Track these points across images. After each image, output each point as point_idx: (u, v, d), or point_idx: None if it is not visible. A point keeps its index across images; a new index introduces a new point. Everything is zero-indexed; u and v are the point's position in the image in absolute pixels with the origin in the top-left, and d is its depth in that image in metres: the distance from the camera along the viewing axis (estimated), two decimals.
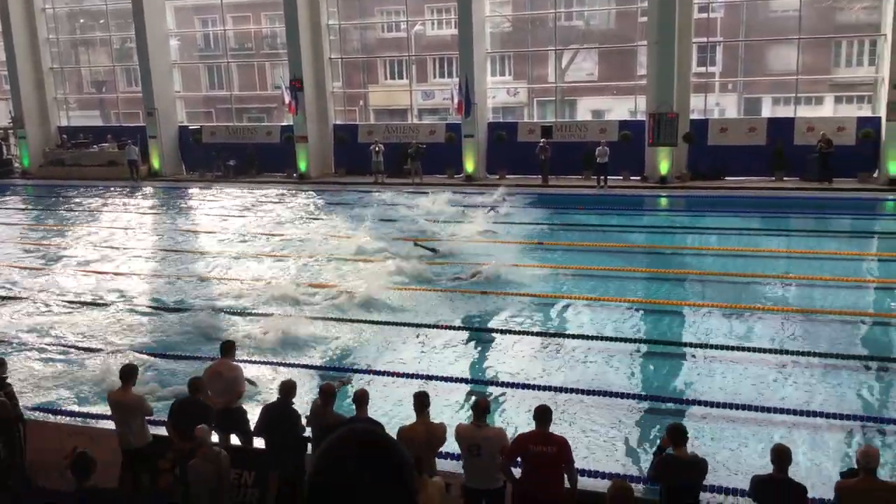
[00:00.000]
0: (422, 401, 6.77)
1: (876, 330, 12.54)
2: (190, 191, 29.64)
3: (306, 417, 7.31)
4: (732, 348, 11.36)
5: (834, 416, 9.14)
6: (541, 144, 26.69)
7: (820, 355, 10.98)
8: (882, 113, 24.00)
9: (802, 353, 11.06)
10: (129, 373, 7.82)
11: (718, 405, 9.49)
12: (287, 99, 29.59)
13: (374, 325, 12.85)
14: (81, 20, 36.74)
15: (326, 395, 7.22)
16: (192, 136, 32.13)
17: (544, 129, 27.94)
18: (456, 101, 27.62)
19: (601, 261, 16.65)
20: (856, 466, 6.12)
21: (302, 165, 30.11)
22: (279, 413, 7.34)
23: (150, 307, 14.45)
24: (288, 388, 7.42)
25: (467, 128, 27.78)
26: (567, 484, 6.37)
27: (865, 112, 26.06)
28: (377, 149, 28.22)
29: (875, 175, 24.23)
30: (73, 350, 12.20)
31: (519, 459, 6.45)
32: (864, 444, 8.24)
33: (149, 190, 30.02)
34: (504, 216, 21.74)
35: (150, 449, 7.66)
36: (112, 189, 29.66)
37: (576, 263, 16.62)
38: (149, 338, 12.72)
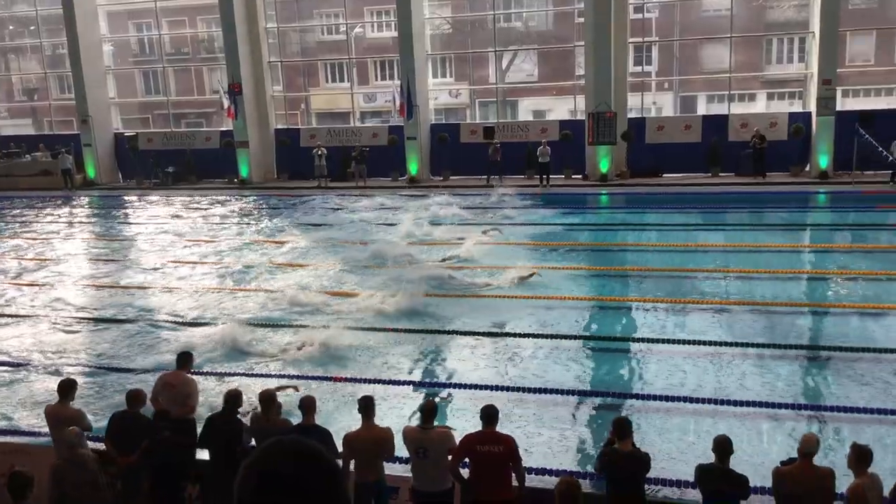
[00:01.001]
0: (367, 405, 6.75)
1: (812, 319, 12.91)
2: (138, 199, 29.01)
3: (247, 427, 7.22)
4: (676, 342, 11.56)
5: (775, 405, 9.38)
6: (494, 145, 26.76)
7: (759, 346, 11.27)
8: (812, 108, 24.76)
9: (743, 345, 11.33)
10: (67, 387, 7.63)
11: (664, 398, 9.65)
12: (226, 103, 29.22)
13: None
14: (11, 27, 35.73)
15: (266, 402, 7.14)
16: (128, 143, 31.45)
17: (486, 130, 28.11)
18: (398, 103, 27.61)
19: (544, 258, 16.84)
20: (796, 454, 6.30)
21: (243, 171, 29.75)
22: (223, 424, 7.23)
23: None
24: (233, 398, 7.31)
25: (410, 130, 27.78)
26: (515, 482, 6.42)
27: (796, 108, 26.85)
28: (320, 152, 28.04)
29: (807, 168, 24.98)
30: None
31: (467, 460, 6.47)
32: (805, 431, 8.47)
33: (85, 199, 29.33)
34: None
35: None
36: (46, 199, 28.82)
37: (522, 262, 16.75)
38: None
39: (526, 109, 32.28)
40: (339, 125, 31.22)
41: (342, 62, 31.87)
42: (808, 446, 6.05)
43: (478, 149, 27.89)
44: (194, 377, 8.53)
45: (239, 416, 7.37)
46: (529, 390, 10.01)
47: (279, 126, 31.15)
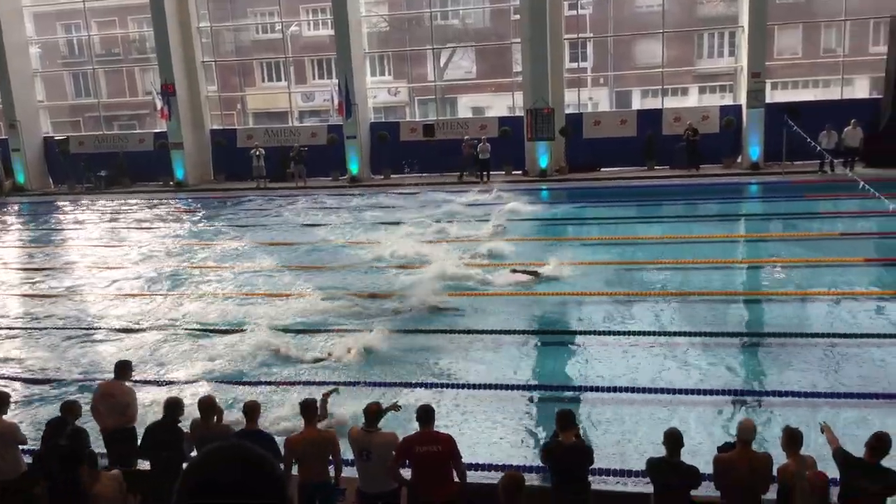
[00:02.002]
0: (309, 409, 6.69)
1: (747, 307, 13.24)
2: (69, 204, 28.19)
3: (188, 435, 7.09)
4: (619, 333, 11.77)
5: (716, 392, 9.61)
6: (466, 139, 26.69)
7: (700, 335, 11.54)
8: (742, 101, 25.38)
9: (683, 334, 11.58)
10: (0, 400, 7.39)
11: (610, 389, 9.79)
12: (159, 105, 28.64)
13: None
14: None
15: (205, 408, 7.02)
16: (58, 147, 30.55)
17: (426, 128, 28.12)
18: (336, 102, 27.41)
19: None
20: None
21: (178, 173, 29.19)
22: (164, 432, 7.09)
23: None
24: (172, 406, 7.17)
25: (349, 129, 27.62)
26: (457, 479, 6.44)
27: (727, 101, 27.52)
28: (258, 153, 27.68)
29: (738, 160, 25.63)
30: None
31: (408, 461, 6.47)
32: (743, 417, 8.68)
33: (15, 206, 28.41)
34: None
35: (24, 479, 7.26)
36: None
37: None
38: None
39: (465, 106, 32.40)
40: (276, 125, 30.86)
41: (278, 61, 31.49)
42: (746, 433, 6.20)
43: (418, 147, 27.91)
44: (133, 387, 8.37)
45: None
46: (478, 386, 10.06)
47: (215, 127, 30.64)
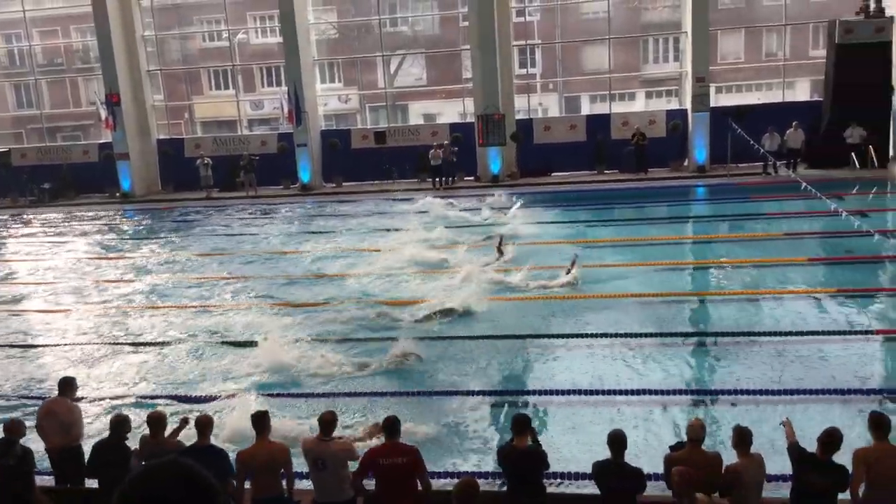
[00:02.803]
0: (261, 422, 6.60)
1: (696, 307, 13.45)
2: (10, 218, 27.44)
3: (137, 452, 6.94)
4: (572, 336, 11.89)
5: (667, 392, 9.77)
6: (436, 146, 26.62)
7: (649, 335, 11.71)
8: (688, 105, 25.85)
9: (634, 335, 11.74)
10: None
11: (564, 392, 9.88)
12: (104, 115, 28.10)
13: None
14: None
15: (154, 424, 6.89)
16: (0, 159, 29.78)
17: (378, 135, 28.07)
18: (286, 110, 27.21)
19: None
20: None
21: (125, 184, 28.66)
22: (110, 450, 6.93)
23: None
24: (118, 423, 7.01)
25: (300, 137, 27.42)
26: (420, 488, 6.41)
27: (674, 105, 28.01)
28: (206, 162, 27.31)
29: (685, 163, 26.08)
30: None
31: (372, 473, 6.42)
32: (693, 417, 8.80)
33: None
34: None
35: None
36: None
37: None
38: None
39: (416, 113, 32.43)
40: (225, 133, 30.50)
41: (226, 69, 31.15)
42: (695, 432, 6.29)
43: (370, 154, 27.84)
44: (78, 404, 8.16)
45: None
46: (432, 394, 10.04)
47: (162, 136, 30.16)
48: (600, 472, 6.30)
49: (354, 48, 30.69)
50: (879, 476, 5.92)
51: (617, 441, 6.26)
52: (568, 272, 14.34)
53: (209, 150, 28.64)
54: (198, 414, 7.37)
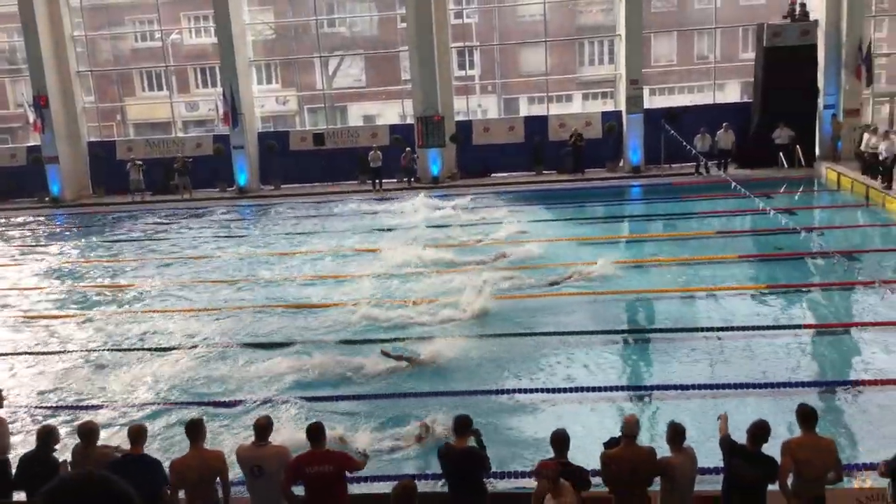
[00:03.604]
0: (195, 429, 6.47)
1: (632, 305, 13.69)
2: None
3: (66, 463, 6.74)
4: (515, 335, 11.98)
5: (607, 388, 9.95)
6: (407, 150, 26.38)
7: (586, 333, 11.89)
8: (623, 107, 26.30)
9: (576, 333, 11.92)
10: None
11: (506, 392, 9.97)
12: (31, 117, 27.25)
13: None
14: None
15: (85, 435, 6.70)
16: None
17: (316, 137, 27.84)
18: (221, 111, 26.79)
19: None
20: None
21: (54, 188, 27.83)
22: (38, 463, 6.71)
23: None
24: (45, 435, 6.80)
25: (236, 139, 27.02)
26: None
27: (609, 107, 28.45)
28: (136, 165, 26.67)
29: (620, 164, 26.53)
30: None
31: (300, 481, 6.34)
32: (628, 413, 8.95)
33: None
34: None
35: None
36: None
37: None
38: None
39: (356, 115, 32.31)
40: (159, 135, 29.86)
41: (159, 70, 30.52)
42: (629, 428, 6.38)
43: (308, 156, 27.60)
44: (2, 417, 7.88)
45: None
46: (371, 397, 9.99)
47: (92, 139, 29.37)
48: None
49: (292, 49, 30.41)
50: (806, 467, 6.10)
51: (559, 439, 6.32)
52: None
53: (142, 152, 28.02)
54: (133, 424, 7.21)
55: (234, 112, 26.50)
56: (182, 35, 31.66)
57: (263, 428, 6.40)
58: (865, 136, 21.63)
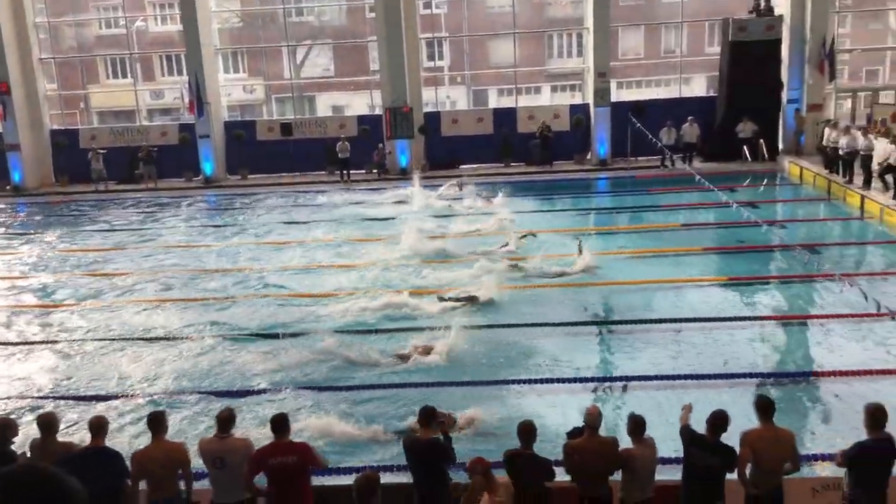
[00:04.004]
0: (157, 422, 6.42)
1: (599, 295, 13.78)
2: None
3: (23, 455, 6.64)
4: (483, 327, 12.00)
5: (574, 380, 10.08)
6: (379, 146, 26.26)
7: (551, 325, 11.99)
8: (590, 100, 26.45)
9: (538, 325, 12.01)
10: None
11: (471, 384, 10.02)
12: None
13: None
14: None
15: (44, 426, 6.60)
16: None
17: (284, 127, 27.63)
18: (187, 99, 26.48)
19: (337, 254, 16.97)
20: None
21: (15, 176, 27.32)
22: None
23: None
24: (2, 428, 6.67)
25: (202, 128, 26.72)
26: None
27: (577, 100, 28.61)
28: (98, 153, 26.24)
29: (588, 157, 26.70)
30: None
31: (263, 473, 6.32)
32: (590, 403, 9.04)
33: None
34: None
35: None
36: None
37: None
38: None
39: (324, 105, 32.13)
40: (123, 124, 29.42)
41: (124, 57, 30.05)
42: (592, 419, 6.44)
43: (276, 146, 27.39)
44: None
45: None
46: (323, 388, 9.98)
47: (55, 127, 28.85)
48: (511, 461, 6.39)
49: (259, 37, 30.12)
50: (764, 457, 6.22)
51: (525, 431, 6.37)
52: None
53: (106, 140, 27.60)
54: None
55: (199, 100, 26.20)
56: (147, 22, 31.24)
57: (226, 420, 6.37)
58: (826, 130, 21.98)
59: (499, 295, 13.32)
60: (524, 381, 10.07)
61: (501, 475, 6.32)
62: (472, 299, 12.81)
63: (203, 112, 26.39)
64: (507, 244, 16.57)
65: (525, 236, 17.05)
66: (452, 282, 14.36)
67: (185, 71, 27.68)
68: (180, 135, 27.77)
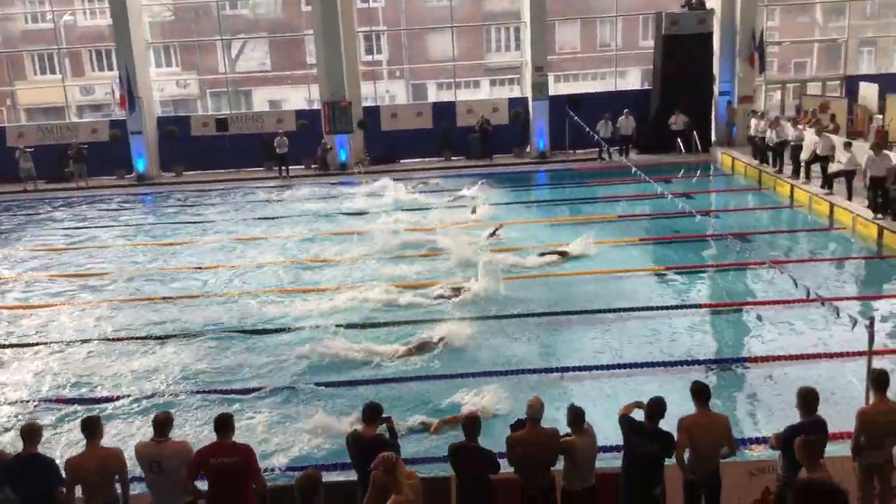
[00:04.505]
0: (92, 427, 6.24)
1: (543, 288, 13.88)
2: None
3: None
4: (424, 321, 12.06)
5: (513, 372, 10.16)
6: (323, 142, 25.91)
7: (489, 318, 12.08)
8: (528, 93, 26.64)
9: (479, 318, 12.08)
10: None
11: (417, 378, 10.09)
12: None
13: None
14: None
15: None
16: None
17: (219, 122, 27.15)
18: (117, 95, 25.83)
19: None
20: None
21: None
22: None
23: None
24: None
25: (133, 124, 26.07)
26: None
27: (516, 93, 28.77)
28: (25, 151, 25.35)
29: (527, 150, 26.91)
30: None
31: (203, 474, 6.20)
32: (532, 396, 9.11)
33: None
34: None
35: None
36: None
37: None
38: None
39: (261, 99, 31.67)
40: (52, 121, 28.50)
41: (51, 52, 29.11)
42: (533, 411, 6.48)
43: (211, 142, 26.89)
44: None
45: None
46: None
47: None
48: (456, 455, 6.40)
49: (192, 31, 29.50)
50: (701, 442, 6.36)
51: (469, 424, 6.39)
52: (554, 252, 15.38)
53: (34, 138, 26.70)
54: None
55: (130, 96, 25.58)
56: (75, 16, 30.34)
57: (162, 423, 6.23)
58: (754, 121, 22.61)
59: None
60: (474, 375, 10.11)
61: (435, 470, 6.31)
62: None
63: (135, 108, 25.76)
64: (494, 232, 17.09)
65: (495, 231, 17.27)
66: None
67: (115, 66, 26.96)
68: (111, 131, 27.04)
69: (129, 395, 10.03)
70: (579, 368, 10.18)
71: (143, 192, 25.25)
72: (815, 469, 5.41)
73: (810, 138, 19.44)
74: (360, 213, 20.31)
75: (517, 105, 27.19)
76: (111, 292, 14.80)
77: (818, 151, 18.76)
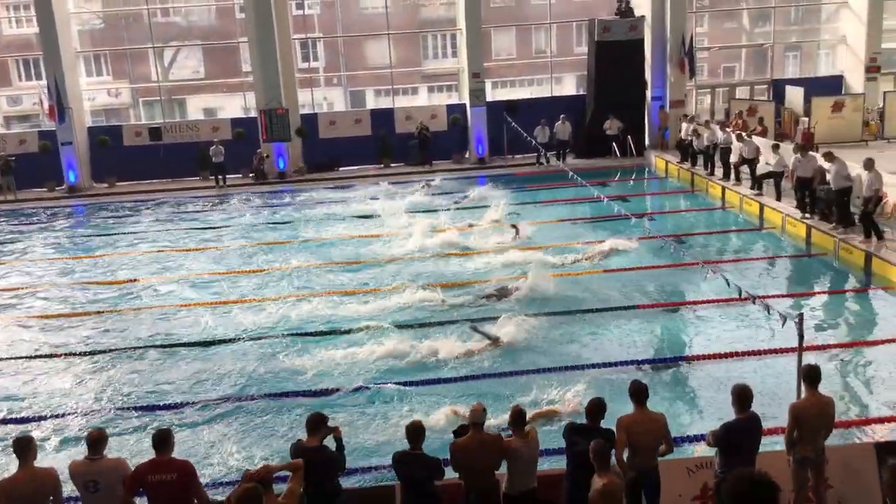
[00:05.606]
0: (24, 447, 6.04)
1: (461, 291, 13.99)
2: None
3: None
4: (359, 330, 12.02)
5: (453, 380, 10.22)
6: (258, 152, 25.55)
7: (424, 325, 12.17)
8: (466, 100, 26.80)
9: (408, 326, 12.12)
10: None
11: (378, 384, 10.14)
12: None
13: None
14: None
15: None
16: None
17: (152, 131, 26.63)
18: (46, 105, 25.12)
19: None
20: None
21: None
22: None
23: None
24: None
25: (63, 134, 25.39)
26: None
27: (454, 100, 28.89)
28: None
29: (466, 155, 27.06)
30: None
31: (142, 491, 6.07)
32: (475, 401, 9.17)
33: None
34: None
35: None
36: None
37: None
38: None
39: (195, 108, 31.11)
40: None
41: None
42: (477, 416, 6.53)
43: (145, 151, 26.35)
44: None
45: None
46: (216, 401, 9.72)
47: None
48: (400, 461, 6.40)
49: (123, 39, 28.86)
50: (640, 441, 6.49)
51: (413, 431, 6.40)
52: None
53: None
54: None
55: (60, 106, 24.92)
56: (0, 24, 29.38)
57: (97, 440, 6.08)
58: (683, 125, 23.19)
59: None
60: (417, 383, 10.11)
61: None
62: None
63: (64, 118, 25.10)
64: (516, 233, 17.29)
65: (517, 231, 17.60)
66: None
67: (43, 75, 26.22)
68: (40, 142, 26.27)
69: (61, 413, 9.77)
70: (523, 373, 10.25)
71: (74, 203, 24.61)
72: None
73: (736, 143, 20.00)
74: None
75: (455, 111, 27.33)
76: (41, 308, 14.39)
77: (744, 155, 19.32)
